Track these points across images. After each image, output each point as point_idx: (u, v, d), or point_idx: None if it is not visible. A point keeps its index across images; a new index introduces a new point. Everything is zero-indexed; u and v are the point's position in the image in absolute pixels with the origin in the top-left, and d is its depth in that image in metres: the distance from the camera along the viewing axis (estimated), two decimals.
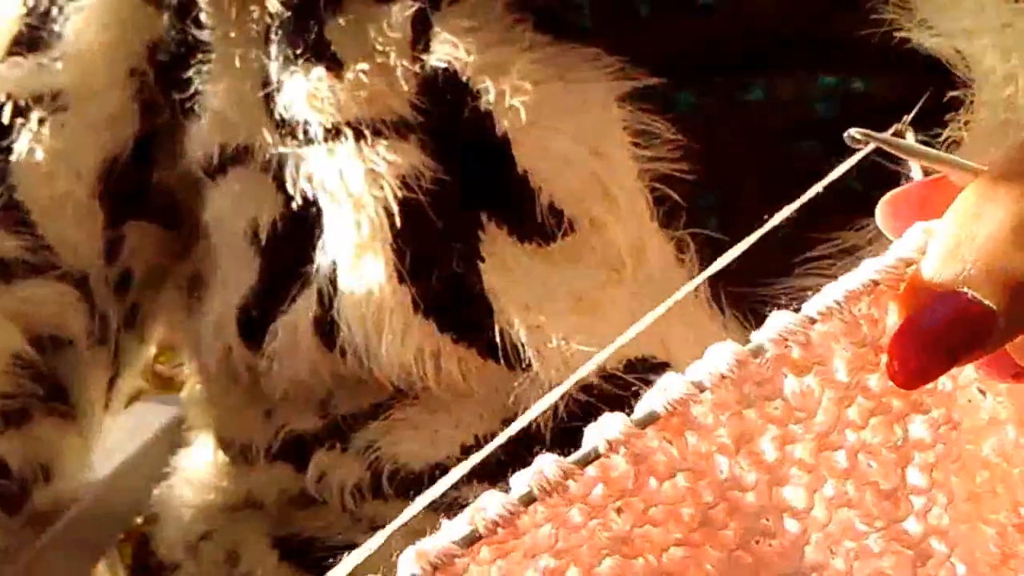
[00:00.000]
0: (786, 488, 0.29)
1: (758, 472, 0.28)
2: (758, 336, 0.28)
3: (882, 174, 0.48)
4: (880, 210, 0.32)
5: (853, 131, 0.32)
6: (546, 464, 0.27)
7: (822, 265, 0.49)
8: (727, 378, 0.28)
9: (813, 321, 0.28)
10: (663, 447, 0.27)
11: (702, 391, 0.27)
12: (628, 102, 0.50)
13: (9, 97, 0.57)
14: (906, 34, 0.50)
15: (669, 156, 0.50)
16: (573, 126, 0.49)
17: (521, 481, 0.27)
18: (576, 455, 0.27)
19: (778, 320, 0.28)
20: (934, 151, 0.31)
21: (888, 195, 0.32)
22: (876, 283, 0.29)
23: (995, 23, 0.51)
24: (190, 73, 0.57)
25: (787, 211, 0.41)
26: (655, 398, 0.28)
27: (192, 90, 0.57)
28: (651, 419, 0.27)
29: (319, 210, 0.52)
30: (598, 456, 0.27)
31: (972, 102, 0.49)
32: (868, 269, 0.29)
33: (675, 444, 0.28)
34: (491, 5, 0.52)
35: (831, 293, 0.28)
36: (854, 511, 0.29)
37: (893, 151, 0.32)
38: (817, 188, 0.42)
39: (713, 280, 0.48)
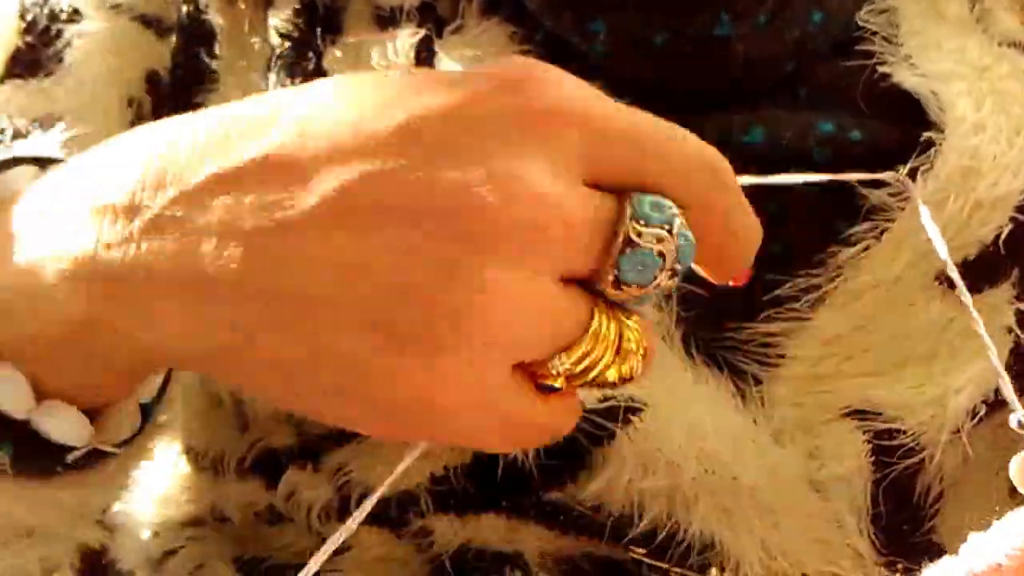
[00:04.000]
0: None
1: None
2: None
3: (838, 209, 0.51)
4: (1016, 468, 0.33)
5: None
6: None
7: (789, 308, 0.51)
8: None
9: None
10: None
11: None
12: None
13: (9, 120, 0.56)
14: (888, 70, 0.52)
15: None
16: None
17: None
18: None
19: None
20: None
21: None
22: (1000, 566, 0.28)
23: (975, 66, 0.52)
24: (199, 99, 0.57)
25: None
26: None
27: None
28: None
29: None
30: None
31: (940, 146, 0.50)
32: (996, 550, 0.29)
33: None
34: (495, 34, 0.53)
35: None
36: None
37: None
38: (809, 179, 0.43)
39: (685, 327, 0.50)
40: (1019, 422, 0.32)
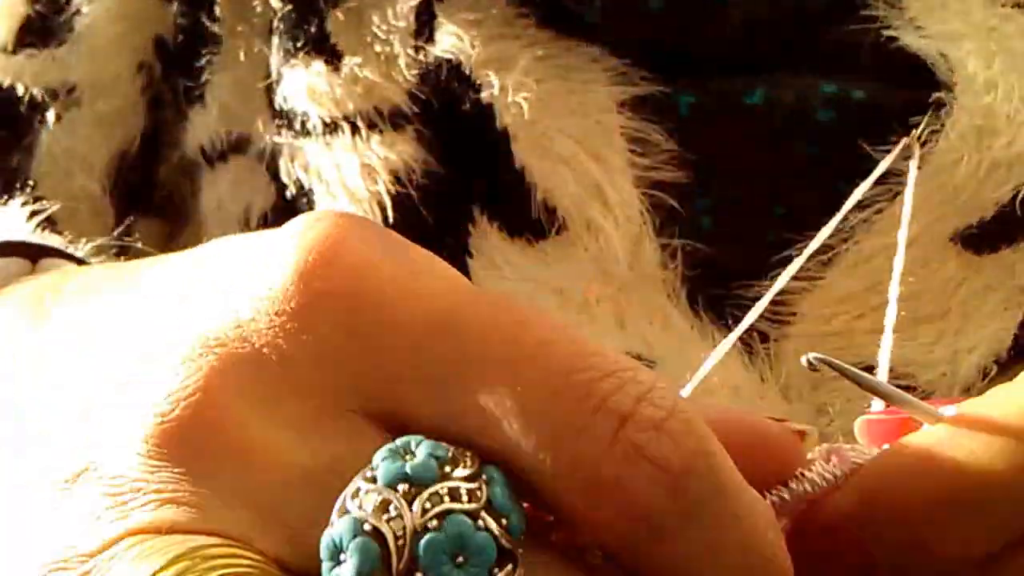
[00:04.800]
0: None
1: None
2: None
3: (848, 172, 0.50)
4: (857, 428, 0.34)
5: (811, 355, 0.32)
6: None
7: (799, 267, 0.50)
8: None
9: None
10: None
11: None
12: (628, 108, 0.51)
13: (26, 91, 0.57)
14: (894, 33, 0.51)
15: (666, 165, 0.50)
16: (573, 127, 0.50)
17: None
18: None
19: None
20: (893, 389, 0.31)
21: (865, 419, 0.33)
22: None
23: (981, 27, 0.51)
24: (202, 62, 0.58)
25: (841, 213, 0.43)
26: None
27: (203, 79, 0.58)
28: None
29: (311, 201, 0.54)
30: None
31: (951, 106, 0.49)
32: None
33: None
34: None
35: None
36: None
37: (851, 380, 0.32)
38: (863, 186, 0.43)
39: (691, 283, 0.50)
40: (809, 360, 0.32)
